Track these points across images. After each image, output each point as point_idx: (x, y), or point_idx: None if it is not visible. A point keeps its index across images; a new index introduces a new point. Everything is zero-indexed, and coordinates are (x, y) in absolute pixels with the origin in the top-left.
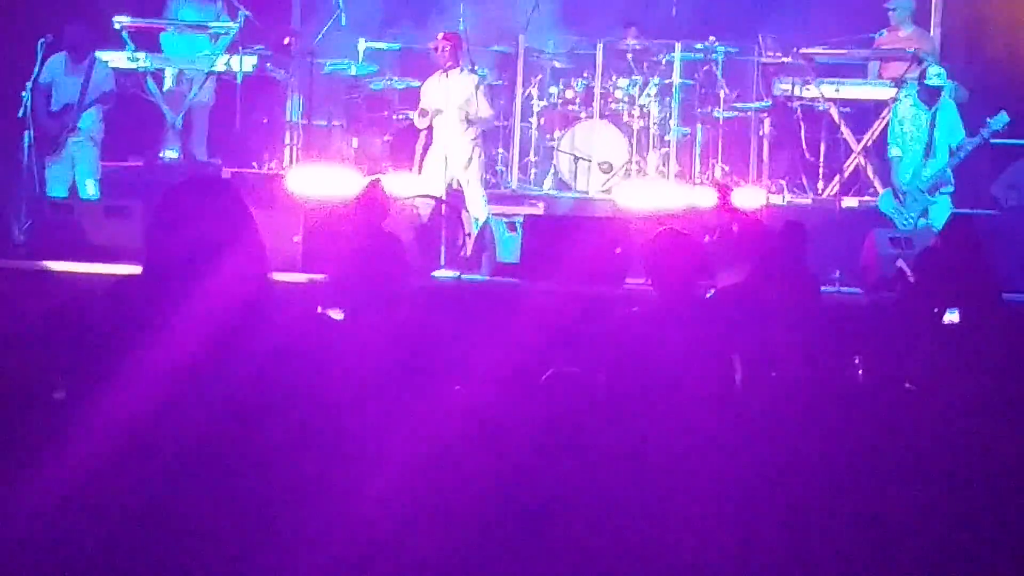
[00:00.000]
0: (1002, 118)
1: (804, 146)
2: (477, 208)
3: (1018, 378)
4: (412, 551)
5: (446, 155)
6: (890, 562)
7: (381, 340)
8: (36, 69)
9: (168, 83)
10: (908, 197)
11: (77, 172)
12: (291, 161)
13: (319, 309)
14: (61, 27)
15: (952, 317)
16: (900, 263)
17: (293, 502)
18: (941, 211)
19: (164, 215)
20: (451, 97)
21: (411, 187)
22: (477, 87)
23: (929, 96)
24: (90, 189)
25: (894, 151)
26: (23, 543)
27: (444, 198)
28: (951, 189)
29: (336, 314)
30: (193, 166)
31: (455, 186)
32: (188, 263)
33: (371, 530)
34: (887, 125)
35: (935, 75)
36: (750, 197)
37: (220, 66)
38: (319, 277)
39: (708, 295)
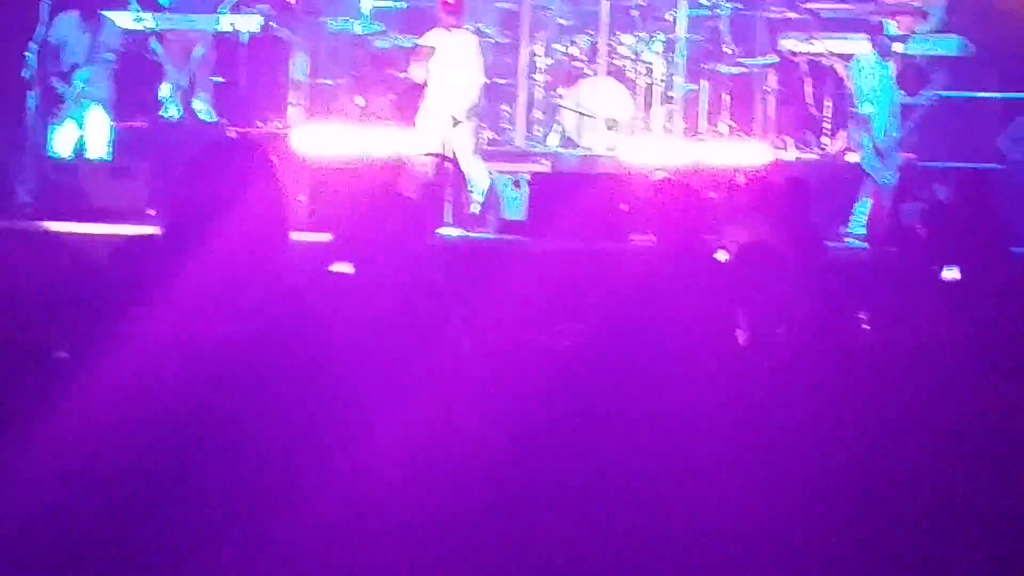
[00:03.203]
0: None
1: (810, 101)
2: (473, 168)
3: None
4: (418, 508)
5: (446, 112)
6: (898, 517)
7: (388, 298)
8: (40, 29)
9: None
10: (887, 153)
11: (85, 132)
12: (296, 120)
13: (330, 267)
14: None
15: (951, 274)
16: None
17: (301, 462)
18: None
19: (191, 174)
20: (452, 56)
21: (417, 145)
22: (477, 48)
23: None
24: (99, 149)
25: (867, 108)
26: (25, 504)
27: (450, 155)
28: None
29: (345, 267)
30: (198, 126)
31: (454, 143)
32: (207, 222)
33: (377, 486)
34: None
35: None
36: (755, 153)
37: (225, 26)
38: (325, 236)
39: (719, 256)
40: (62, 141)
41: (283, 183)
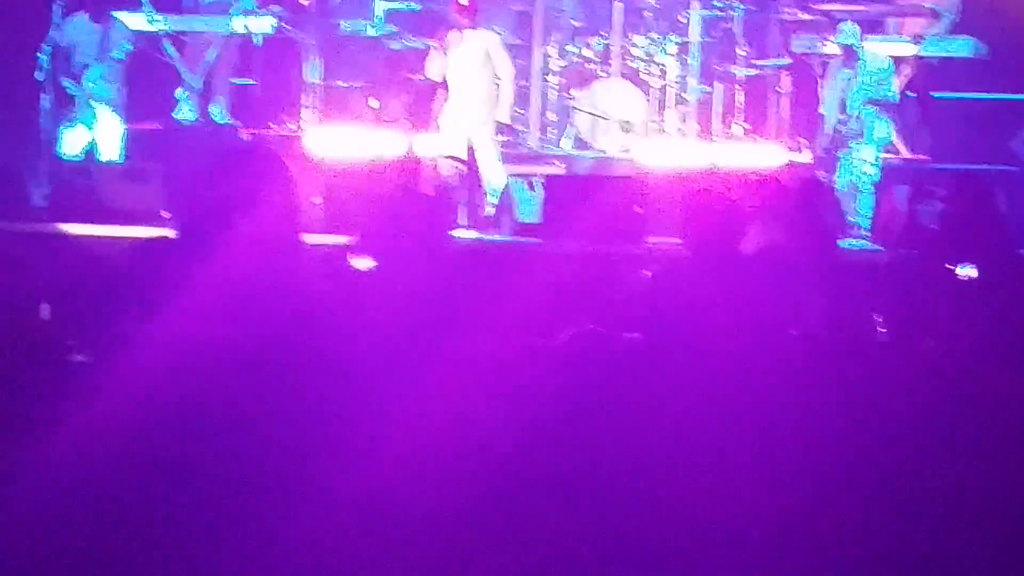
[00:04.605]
0: None
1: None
2: (492, 171)
3: None
4: (432, 506)
5: (464, 114)
6: (912, 519)
7: (402, 300)
8: (52, 30)
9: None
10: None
11: (96, 134)
12: (310, 122)
13: (349, 257)
14: None
15: (967, 272)
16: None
17: (312, 461)
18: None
19: (206, 178)
20: (470, 57)
21: (431, 147)
22: (496, 44)
23: (847, 55)
24: (110, 152)
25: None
26: (41, 507)
27: (464, 158)
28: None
29: (365, 262)
30: (212, 128)
31: (471, 145)
32: (221, 224)
33: (389, 486)
34: (908, 82)
35: (846, 33)
36: (769, 155)
37: (238, 28)
38: (341, 239)
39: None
40: (73, 143)
41: (297, 186)
